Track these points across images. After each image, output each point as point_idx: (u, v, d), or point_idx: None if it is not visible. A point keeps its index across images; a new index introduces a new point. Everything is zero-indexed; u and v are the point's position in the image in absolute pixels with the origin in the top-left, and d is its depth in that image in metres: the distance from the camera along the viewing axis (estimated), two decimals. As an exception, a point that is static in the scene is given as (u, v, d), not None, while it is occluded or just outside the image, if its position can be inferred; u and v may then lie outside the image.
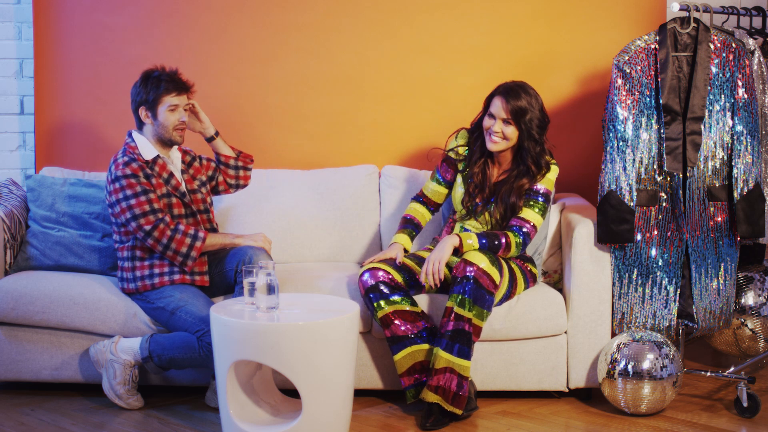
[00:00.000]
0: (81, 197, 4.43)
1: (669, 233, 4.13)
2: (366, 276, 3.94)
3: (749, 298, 4.40)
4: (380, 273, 3.94)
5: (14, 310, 4.10)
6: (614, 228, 4.06)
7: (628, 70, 4.08)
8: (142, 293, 4.06)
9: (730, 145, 4.13)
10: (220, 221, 4.55)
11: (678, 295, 4.15)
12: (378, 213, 4.65)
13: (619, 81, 4.08)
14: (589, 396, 4.19)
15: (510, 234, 3.99)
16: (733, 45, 4.09)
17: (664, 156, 4.08)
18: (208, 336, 3.83)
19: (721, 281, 4.19)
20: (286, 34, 4.86)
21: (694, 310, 4.15)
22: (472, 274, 3.81)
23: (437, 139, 4.66)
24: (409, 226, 4.22)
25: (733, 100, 4.11)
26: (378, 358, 4.11)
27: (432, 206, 4.27)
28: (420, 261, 4.10)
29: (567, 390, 4.17)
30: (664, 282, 4.14)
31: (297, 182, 4.68)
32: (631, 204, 4.06)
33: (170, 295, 4.00)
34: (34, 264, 4.36)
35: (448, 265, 4.07)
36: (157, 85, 4.02)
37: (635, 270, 4.13)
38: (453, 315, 3.83)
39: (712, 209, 4.15)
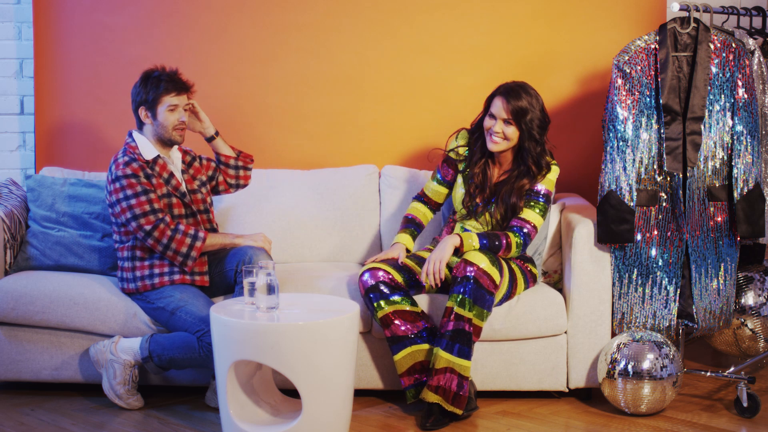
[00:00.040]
0: (81, 197, 4.43)
1: (669, 233, 4.13)
2: (366, 276, 3.94)
3: (749, 298, 4.40)
4: (380, 273, 3.94)
5: (14, 310, 4.10)
6: (614, 228, 4.06)
7: (628, 70, 4.08)
8: (142, 293, 4.06)
9: (730, 145, 4.13)
10: (220, 221, 4.55)
11: (678, 295, 4.15)
12: (378, 213, 4.65)
13: (619, 81, 4.08)
14: (589, 396, 4.19)
15: (510, 234, 3.99)
16: (733, 45, 4.09)
17: (664, 156, 4.08)
18: (208, 336, 3.83)
19: (721, 281, 4.19)
20: (286, 34, 4.86)
21: (694, 310, 4.15)
22: (473, 274, 3.81)
23: (437, 139, 4.66)
24: (411, 225, 4.22)
25: (733, 100, 4.11)
26: (378, 358, 4.11)
27: (433, 206, 4.27)
28: (420, 261, 4.10)
29: (567, 390, 4.17)
30: (664, 282, 4.14)
31: (297, 182, 4.68)
32: (631, 204, 4.06)
33: (170, 295, 4.00)
34: (34, 264, 4.36)
35: (449, 265, 4.07)
36: (156, 85, 4.02)
37: (635, 270, 4.13)
38: (453, 315, 3.83)
39: (712, 209, 4.15)
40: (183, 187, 4.12)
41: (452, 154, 4.19)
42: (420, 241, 4.48)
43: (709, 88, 4.09)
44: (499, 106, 4.00)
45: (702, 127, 4.09)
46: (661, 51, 4.07)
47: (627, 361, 3.94)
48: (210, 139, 4.29)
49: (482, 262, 3.83)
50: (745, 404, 3.97)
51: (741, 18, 4.56)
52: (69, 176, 4.58)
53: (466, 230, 4.13)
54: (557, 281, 4.34)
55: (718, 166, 4.14)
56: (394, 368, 4.03)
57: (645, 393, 3.93)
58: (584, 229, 4.12)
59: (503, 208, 4.06)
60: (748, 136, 4.11)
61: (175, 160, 4.16)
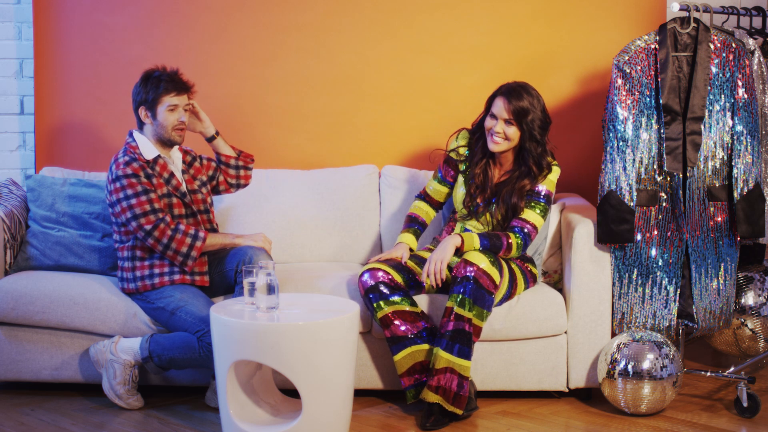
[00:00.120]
0: (81, 197, 4.43)
1: (669, 233, 4.13)
2: (366, 276, 3.94)
3: (749, 298, 4.40)
4: (380, 273, 3.94)
5: (14, 310, 4.10)
6: (614, 228, 4.06)
7: (628, 70, 4.08)
8: (142, 293, 4.06)
9: (730, 145, 4.13)
10: (220, 221, 4.55)
11: (678, 295, 4.15)
12: (378, 213, 4.65)
13: (619, 81, 4.08)
14: (589, 396, 4.19)
15: (511, 235, 3.99)
16: (733, 45, 4.09)
17: (664, 156, 4.08)
18: (208, 336, 3.83)
19: (721, 281, 4.19)
20: (286, 34, 4.86)
21: (694, 310, 4.15)
22: (472, 274, 3.81)
23: (437, 140, 4.66)
24: (414, 224, 4.22)
25: (733, 100, 4.11)
26: (378, 358, 4.11)
27: (435, 204, 4.27)
28: (420, 261, 4.10)
29: (567, 390, 4.17)
30: (664, 282, 4.14)
31: (297, 182, 4.68)
32: (631, 204, 4.06)
33: (170, 295, 4.00)
34: (34, 264, 4.36)
35: (449, 266, 4.07)
36: (156, 85, 4.03)
37: (635, 270, 4.13)
38: (453, 315, 3.83)
39: (712, 209, 4.15)
40: (183, 187, 4.12)
41: (453, 154, 4.19)
42: (420, 240, 4.48)
43: (709, 88, 4.09)
44: (500, 106, 4.00)
45: (702, 127, 4.09)
46: (661, 51, 4.07)
47: (627, 361, 3.94)
48: (210, 139, 4.29)
49: (482, 262, 3.83)
50: (745, 404, 3.97)
51: (741, 18, 4.56)
52: (69, 176, 4.58)
53: (466, 230, 4.13)
54: (557, 281, 4.34)
55: (718, 166, 4.14)
56: (394, 368, 4.03)
57: (645, 393, 3.93)
58: (584, 229, 4.12)
59: (504, 208, 4.06)
60: (748, 136, 4.11)
61: (175, 160, 4.16)
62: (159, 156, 4.07)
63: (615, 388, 3.96)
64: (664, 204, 4.12)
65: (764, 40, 4.38)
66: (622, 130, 4.07)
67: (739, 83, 4.09)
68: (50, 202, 4.42)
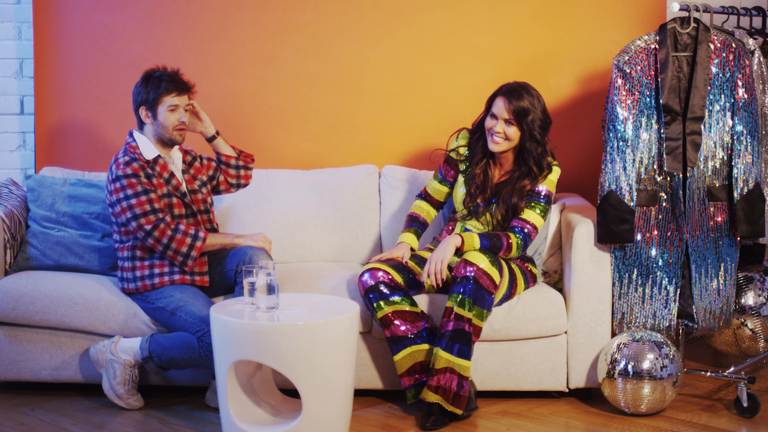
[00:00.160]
0: (81, 197, 4.43)
1: (669, 233, 4.13)
2: (366, 276, 3.94)
3: (749, 298, 4.40)
4: (380, 273, 3.94)
5: (14, 310, 4.09)
6: (614, 228, 4.06)
7: (628, 70, 4.08)
8: (142, 293, 4.06)
9: (730, 145, 4.13)
10: (220, 221, 4.55)
11: (678, 295, 4.15)
12: (378, 213, 4.65)
13: (619, 81, 4.08)
14: (589, 396, 4.19)
15: (511, 235, 3.99)
16: (733, 45, 4.09)
17: (664, 156, 4.08)
18: (208, 336, 3.83)
19: (721, 281, 4.19)
20: (286, 34, 4.86)
21: (694, 310, 4.15)
22: (472, 274, 3.81)
23: (437, 140, 4.66)
24: (415, 224, 4.22)
25: (733, 100, 4.11)
26: (378, 358, 4.11)
27: (436, 204, 4.27)
28: (420, 261, 4.10)
29: (567, 390, 4.17)
30: (664, 282, 4.14)
31: (297, 182, 4.68)
32: (631, 204, 4.06)
33: (170, 295, 4.00)
34: (34, 264, 4.36)
35: (449, 266, 4.07)
36: (157, 85, 4.03)
37: (635, 270, 4.13)
38: (453, 315, 3.83)
39: (712, 209, 4.15)
40: (183, 187, 4.12)
41: (453, 154, 4.20)
42: (421, 240, 4.48)
43: (709, 88, 4.09)
44: (500, 106, 4.00)
45: (702, 127, 4.09)
46: (661, 51, 4.07)
47: (627, 361, 3.94)
48: (211, 139, 4.29)
49: (482, 262, 3.83)
50: (745, 404, 3.97)
51: (741, 18, 4.56)
52: (69, 176, 4.58)
53: (467, 230, 4.13)
54: (557, 281, 4.34)
55: (718, 166, 4.14)
56: (394, 368, 4.03)
57: (645, 393, 3.93)
58: (584, 229, 4.12)
59: (504, 208, 4.06)
60: (748, 136, 4.11)
61: (175, 160, 4.16)
62: (159, 156, 4.07)
63: (615, 388, 3.96)
64: (664, 204, 4.12)
65: (764, 40, 4.38)
66: (622, 130, 4.07)
67: (739, 83, 4.09)
68: (50, 202, 4.42)
